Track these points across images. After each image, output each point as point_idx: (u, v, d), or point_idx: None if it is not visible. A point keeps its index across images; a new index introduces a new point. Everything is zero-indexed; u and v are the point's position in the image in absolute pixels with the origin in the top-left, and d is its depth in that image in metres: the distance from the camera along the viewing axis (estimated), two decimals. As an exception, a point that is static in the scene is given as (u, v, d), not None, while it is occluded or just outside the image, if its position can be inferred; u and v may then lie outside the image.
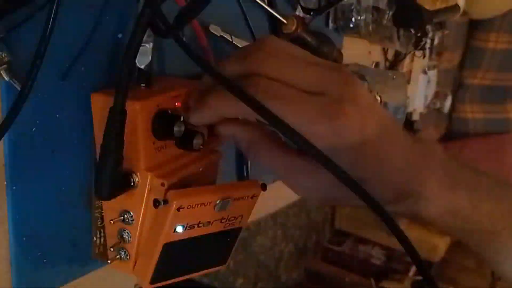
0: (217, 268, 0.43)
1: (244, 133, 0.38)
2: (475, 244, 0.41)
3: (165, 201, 0.35)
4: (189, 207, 0.36)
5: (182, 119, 0.37)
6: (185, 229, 0.37)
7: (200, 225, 0.38)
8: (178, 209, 0.36)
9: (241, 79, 0.34)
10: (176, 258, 0.39)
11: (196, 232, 0.38)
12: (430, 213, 0.37)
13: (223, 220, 0.39)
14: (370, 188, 0.32)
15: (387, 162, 0.36)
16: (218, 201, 0.37)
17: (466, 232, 0.39)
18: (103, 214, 0.40)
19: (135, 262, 0.39)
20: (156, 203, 0.35)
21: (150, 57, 0.39)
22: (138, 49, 0.33)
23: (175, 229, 0.37)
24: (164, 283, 0.39)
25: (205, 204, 0.37)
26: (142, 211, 0.37)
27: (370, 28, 0.72)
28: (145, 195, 0.37)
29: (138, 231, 0.38)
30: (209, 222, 0.38)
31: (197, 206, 0.37)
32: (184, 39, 0.44)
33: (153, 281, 0.39)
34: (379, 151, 0.35)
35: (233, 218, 0.40)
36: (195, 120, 0.37)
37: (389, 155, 0.36)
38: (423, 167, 0.37)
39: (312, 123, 0.33)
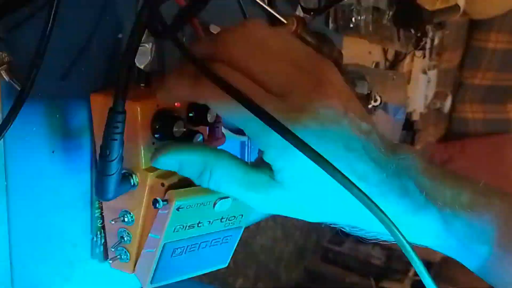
0: (217, 268, 0.43)
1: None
2: (452, 258, 0.37)
3: (165, 201, 0.35)
4: (188, 206, 0.36)
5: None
6: (185, 229, 0.37)
7: (200, 224, 0.38)
8: (178, 209, 0.36)
9: (207, 62, 0.31)
10: (177, 258, 0.39)
11: (196, 232, 0.38)
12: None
13: (223, 220, 0.39)
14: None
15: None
16: (217, 201, 0.37)
17: (440, 248, 0.36)
18: (103, 214, 0.40)
19: (135, 262, 0.39)
20: (155, 203, 0.35)
21: (149, 57, 0.39)
22: (137, 49, 0.33)
23: (175, 229, 0.37)
24: (164, 283, 0.39)
25: (205, 204, 0.37)
26: (142, 211, 0.37)
27: (370, 28, 0.72)
28: (145, 195, 0.37)
29: (138, 231, 0.38)
30: (209, 221, 0.38)
31: (197, 206, 0.37)
32: (184, 39, 0.44)
33: (153, 281, 0.39)
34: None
35: (233, 218, 0.40)
36: (159, 97, 0.35)
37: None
38: (394, 186, 0.33)
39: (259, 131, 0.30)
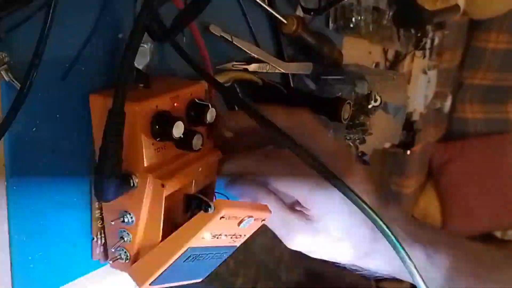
0: (194, 281, 0.43)
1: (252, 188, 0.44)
2: None
3: (209, 206, 0.37)
4: (228, 218, 0.37)
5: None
6: (210, 238, 0.38)
7: (220, 236, 0.38)
8: (221, 218, 0.36)
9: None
10: (186, 263, 0.39)
11: (213, 243, 0.38)
12: (393, 269, 0.44)
13: (232, 237, 0.40)
14: (342, 249, 0.44)
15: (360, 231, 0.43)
16: (245, 218, 0.39)
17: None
18: (103, 214, 0.40)
19: (135, 262, 0.39)
20: (208, 208, 0.36)
21: (148, 58, 0.39)
22: (137, 51, 0.33)
23: (203, 236, 0.37)
24: (159, 286, 0.39)
25: (237, 218, 0.38)
26: (142, 212, 0.37)
27: (371, 28, 0.72)
28: (145, 196, 0.37)
29: (138, 231, 0.38)
30: (225, 235, 0.39)
31: (231, 219, 0.38)
32: (184, 40, 0.44)
33: (153, 283, 0.38)
34: (356, 226, 0.42)
35: (239, 236, 0.41)
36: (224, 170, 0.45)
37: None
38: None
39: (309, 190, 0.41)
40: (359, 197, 0.34)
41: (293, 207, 0.44)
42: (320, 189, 0.41)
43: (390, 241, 0.34)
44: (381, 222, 0.34)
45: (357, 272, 0.47)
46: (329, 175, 0.34)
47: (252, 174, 0.44)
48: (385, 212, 0.41)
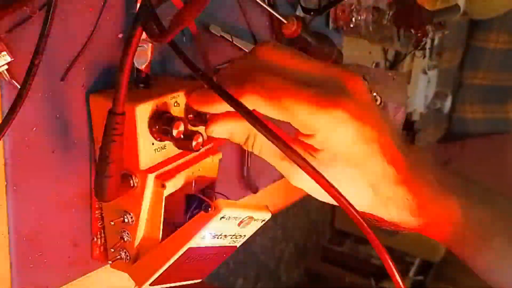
0: (194, 281, 0.43)
1: (241, 127, 0.37)
2: (466, 253, 0.40)
3: (209, 206, 0.36)
4: (228, 218, 0.37)
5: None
6: (211, 238, 0.38)
7: (220, 237, 0.38)
8: (221, 218, 0.36)
9: (243, 74, 0.34)
10: (183, 264, 0.39)
11: (213, 243, 0.38)
12: (422, 220, 0.37)
13: (232, 237, 0.40)
14: (356, 192, 0.35)
15: (378, 168, 0.35)
16: (246, 218, 0.38)
17: (457, 239, 0.39)
18: (103, 214, 0.40)
19: (135, 262, 0.39)
20: (207, 207, 0.36)
21: (148, 58, 0.39)
22: (135, 51, 0.33)
23: (204, 236, 0.37)
24: (159, 286, 0.39)
25: (236, 219, 0.38)
26: (142, 212, 0.37)
27: (371, 28, 0.72)
28: (145, 196, 0.37)
29: (138, 231, 0.38)
30: (225, 236, 0.39)
31: (232, 219, 0.38)
32: (184, 39, 0.44)
33: (152, 283, 0.38)
34: (371, 155, 0.35)
35: (239, 237, 0.41)
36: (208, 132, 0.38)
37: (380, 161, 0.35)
38: (416, 175, 0.36)
39: (309, 113, 0.33)
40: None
41: (295, 139, 0.36)
42: (322, 109, 0.33)
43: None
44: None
45: (378, 225, 0.38)
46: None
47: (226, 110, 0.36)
48: (411, 152, 0.36)
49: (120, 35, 0.40)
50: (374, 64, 0.86)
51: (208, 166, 0.42)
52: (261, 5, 0.53)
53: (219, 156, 0.43)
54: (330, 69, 0.35)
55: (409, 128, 1.07)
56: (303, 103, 0.33)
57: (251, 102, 0.33)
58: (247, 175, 0.57)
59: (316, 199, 0.38)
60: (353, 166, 0.35)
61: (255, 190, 0.59)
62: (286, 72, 0.34)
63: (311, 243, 2.50)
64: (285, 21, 0.55)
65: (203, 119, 0.39)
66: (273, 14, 0.55)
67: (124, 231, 0.38)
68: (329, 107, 0.33)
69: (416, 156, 0.37)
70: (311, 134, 0.34)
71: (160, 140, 0.37)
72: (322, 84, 0.34)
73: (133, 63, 0.36)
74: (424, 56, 1.05)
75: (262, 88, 0.33)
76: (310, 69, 0.35)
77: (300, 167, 0.30)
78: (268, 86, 0.33)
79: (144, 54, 0.39)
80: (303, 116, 0.33)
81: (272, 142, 0.30)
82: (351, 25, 0.70)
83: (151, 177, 0.36)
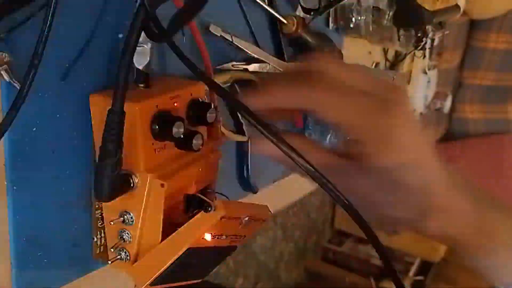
0: (196, 281, 0.43)
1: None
2: (480, 256, 0.41)
3: (209, 206, 0.36)
4: (228, 218, 0.37)
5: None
6: (211, 238, 0.38)
7: (220, 237, 0.38)
8: (221, 218, 0.36)
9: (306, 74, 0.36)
10: (183, 264, 0.39)
11: (213, 243, 0.38)
12: (454, 229, 0.39)
13: (233, 237, 0.40)
14: (387, 202, 0.36)
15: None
16: (246, 218, 0.39)
17: (467, 242, 0.40)
18: (103, 214, 0.40)
19: (135, 262, 0.39)
20: (207, 207, 0.36)
21: (148, 58, 0.39)
22: (134, 51, 0.33)
23: (203, 236, 0.37)
24: (159, 286, 0.39)
25: (236, 219, 0.38)
26: (142, 212, 0.37)
27: (371, 28, 0.72)
28: (145, 196, 0.37)
29: (138, 231, 0.38)
30: (226, 236, 0.39)
31: (232, 219, 0.37)
32: (184, 40, 0.44)
33: (152, 283, 0.38)
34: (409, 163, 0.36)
35: (240, 237, 0.41)
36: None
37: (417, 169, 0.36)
38: (450, 184, 0.38)
39: (363, 115, 0.35)
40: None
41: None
42: (379, 116, 0.35)
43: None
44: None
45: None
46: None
47: (287, 105, 0.37)
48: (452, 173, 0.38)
49: (120, 35, 0.40)
50: (374, 64, 0.86)
51: (208, 166, 0.42)
52: (261, 5, 0.53)
53: (220, 155, 0.43)
54: (381, 82, 0.37)
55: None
56: (355, 106, 0.35)
57: (321, 100, 0.35)
58: (247, 175, 0.57)
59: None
60: (404, 175, 0.36)
61: (255, 190, 0.59)
62: (348, 79, 0.36)
63: (311, 243, 2.50)
64: (285, 21, 0.55)
65: (203, 119, 0.39)
66: (273, 14, 0.55)
67: (124, 231, 0.38)
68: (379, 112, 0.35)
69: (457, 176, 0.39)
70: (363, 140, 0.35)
71: (160, 140, 0.37)
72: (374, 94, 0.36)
73: (133, 63, 0.36)
74: (424, 56, 1.05)
75: (330, 89, 0.35)
76: (365, 80, 0.37)
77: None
78: (336, 89, 0.35)
79: (144, 54, 0.39)
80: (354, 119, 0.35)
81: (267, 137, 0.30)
82: (351, 25, 0.70)
83: (151, 177, 0.36)
